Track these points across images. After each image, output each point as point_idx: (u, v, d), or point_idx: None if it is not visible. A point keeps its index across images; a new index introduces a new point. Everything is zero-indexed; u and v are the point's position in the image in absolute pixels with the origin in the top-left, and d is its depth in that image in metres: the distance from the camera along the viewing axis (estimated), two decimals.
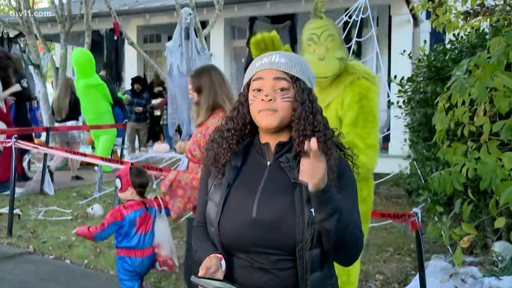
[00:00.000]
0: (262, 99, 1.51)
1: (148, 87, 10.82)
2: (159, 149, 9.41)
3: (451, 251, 4.21)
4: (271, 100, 1.50)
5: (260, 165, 1.58)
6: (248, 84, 1.59)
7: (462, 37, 4.27)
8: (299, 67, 1.56)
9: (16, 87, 7.29)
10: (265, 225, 1.48)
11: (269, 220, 1.48)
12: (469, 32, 3.65)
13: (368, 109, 2.56)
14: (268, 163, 1.58)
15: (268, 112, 1.51)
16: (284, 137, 1.58)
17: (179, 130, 9.31)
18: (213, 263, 1.45)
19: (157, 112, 11.00)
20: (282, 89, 1.52)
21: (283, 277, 1.48)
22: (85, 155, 6.23)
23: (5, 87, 7.18)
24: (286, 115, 1.52)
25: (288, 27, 11.05)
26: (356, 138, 2.50)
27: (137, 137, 10.37)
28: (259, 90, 1.54)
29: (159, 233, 3.12)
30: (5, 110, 7.12)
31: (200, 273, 1.42)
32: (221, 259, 1.48)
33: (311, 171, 1.37)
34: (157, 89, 11.58)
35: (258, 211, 1.49)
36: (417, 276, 3.51)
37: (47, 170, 7.17)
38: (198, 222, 1.69)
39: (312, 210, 1.45)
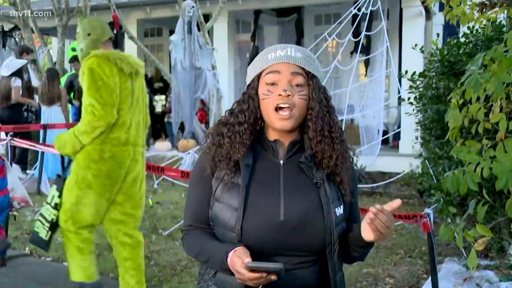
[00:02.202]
0: (280, 94, 1.49)
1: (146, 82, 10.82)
2: (161, 147, 9.42)
3: (465, 254, 4.20)
4: (289, 95, 1.49)
5: (273, 164, 1.56)
6: (259, 77, 1.56)
7: (477, 30, 4.24)
8: (314, 64, 1.56)
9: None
10: (293, 228, 1.47)
11: (297, 222, 1.48)
12: (484, 25, 3.62)
13: (88, 80, 3.22)
14: (281, 162, 1.56)
15: (285, 113, 1.49)
16: (294, 135, 1.57)
17: (182, 128, 9.34)
18: (245, 252, 1.40)
19: (158, 109, 11.03)
20: (297, 85, 1.51)
21: (305, 277, 1.50)
22: None
23: None
24: (301, 114, 1.52)
25: (295, 20, 11.04)
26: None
27: None
28: (273, 84, 1.52)
29: (11, 179, 4.29)
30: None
31: (247, 260, 1.36)
32: (247, 250, 1.44)
33: (386, 232, 1.41)
34: (157, 84, 11.61)
35: (285, 212, 1.48)
36: (429, 280, 3.50)
37: (43, 169, 7.19)
38: (190, 226, 1.61)
39: (336, 210, 1.51)
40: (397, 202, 1.42)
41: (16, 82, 7.82)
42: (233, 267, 1.40)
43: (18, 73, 7.88)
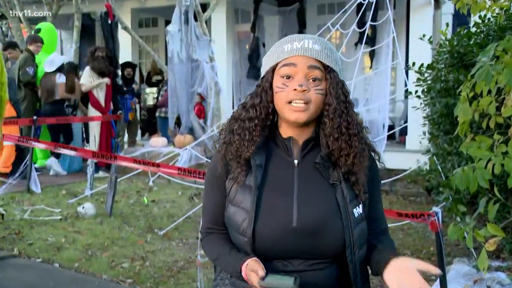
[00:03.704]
0: (295, 89, 1.47)
1: (134, 73, 10.73)
2: (156, 143, 9.41)
3: (475, 255, 4.19)
4: (305, 90, 1.48)
5: (286, 163, 1.56)
6: (273, 69, 1.55)
7: (489, 19, 4.21)
8: (333, 57, 1.54)
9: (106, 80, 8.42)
10: (307, 233, 1.47)
11: (312, 228, 1.47)
12: (497, 14, 3.60)
13: None
14: (296, 161, 1.55)
15: (300, 105, 1.48)
16: (309, 131, 1.56)
17: (178, 123, 9.32)
18: (258, 266, 1.42)
19: (150, 102, 11.01)
20: (314, 80, 1.50)
21: (317, 277, 1.50)
22: (75, 149, 6.24)
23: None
24: (317, 109, 1.51)
25: (296, 10, 11.02)
26: None
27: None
28: (289, 77, 1.50)
29: None
30: (102, 101, 8.39)
31: (261, 273, 1.39)
32: (259, 261, 1.46)
33: None
34: (155, 78, 11.58)
35: (299, 218, 1.48)
36: (438, 282, 3.50)
37: (33, 166, 7.20)
38: (208, 228, 1.65)
39: (354, 210, 1.50)
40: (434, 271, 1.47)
41: (61, 79, 8.28)
42: (249, 282, 1.44)
43: (60, 69, 8.34)
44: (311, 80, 1.50)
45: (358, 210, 1.52)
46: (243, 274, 1.46)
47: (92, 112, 8.54)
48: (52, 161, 8.53)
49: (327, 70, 1.51)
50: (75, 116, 8.62)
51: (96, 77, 8.48)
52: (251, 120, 1.54)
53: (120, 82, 9.17)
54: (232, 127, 1.58)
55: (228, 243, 1.57)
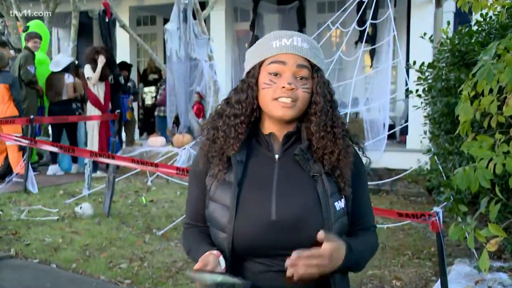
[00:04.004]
0: (283, 87, 1.49)
1: (130, 73, 10.73)
2: (155, 142, 9.41)
3: (476, 255, 4.20)
4: (293, 89, 1.49)
5: (267, 159, 1.56)
6: (260, 65, 1.55)
7: (490, 17, 4.21)
8: (320, 56, 1.57)
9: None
10: (287, 227, 1.47)
11: (291, 220, 1.47)
12: (499, 12, 3.60)
13: None
14: (277, 156, 1.56)
15: (288, 103, 1.49)
16: (291, 127, 1.57)
17: (176, 122, 9.32)
18: (210, 260, 1.43)
19: (148, 101, 11.00)
20: (302, 78, 1.52)
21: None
22: (73, 149, 6.24)
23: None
24: (303, 107, 1.53)
25: (296, 8, 11.02)
26: None
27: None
28: (277, 74, 1.51)
29: None
30: (101, 99, 8.42)
31: (196, 266, 1.41)
32: (218, 256, 1.46)
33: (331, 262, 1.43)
34: (152, 76, 11.56)
35: (277, 212, 1.48)
36: (438, 283, 3.50)
37: (30, 165, 7.19)
38: (187, 223, 1.67)
39: (336, 204, 1.50)
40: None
41: (70, 79, 8.54)
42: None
43: (67, 69, 8.57)
44: (298, 78, 1.51)
45: (339, 204, 1.52)
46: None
47: (91, 110, 8.54)
48: (53, 169, 8.61)
49: (314, 69, 1.54)
50: (73, 116, 8.62)
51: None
52: (236, 116, 1.55)
53: (122, 81, 9.20)
54: (216, 124, 1.58)
55: (203, 237, 1.59)
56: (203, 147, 1.59)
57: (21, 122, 7.37)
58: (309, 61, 1.53)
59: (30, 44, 8.24)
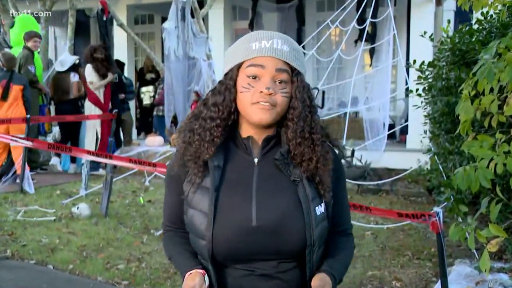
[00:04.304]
0: (261, 91, 1.46)
1: (123, 71, 10.73)
2: (152, 142, 9.40)
3: (477, 256, 4.20)
4: (271, 93, 1.46)
5: (246, 163, 1.54)
6: (239, 67, 1.52)
7: (491, 15, 4.21)
8: (300, 59, 1.54)
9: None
10: (268, 232, 1.46)
11: (273, 226, 1.46)
12: (500, 10, 3.60)
13: None
14: (256, 160, 1.54)
15: (266, 106, 1.46)
16: (270, 131, 1.55)
17: (174, 122, 9.32)
18: (196, 283, 1.42)
19: (146, 101, 10.99)
20: (281, 82, 1.49)
21: (287, 279, 1.49)
22: (70, 149, 6.23)
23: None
24: (282, 112, 1.51)
25: (295, 6, 11.02)
26: None
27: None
28: (255, 77, 1.48)
29: None
30: (102, 99, 8.49)
31: None
32: (203, 275, 1.46)
33: None
34: (149, 75, 11.55)
35: (258, 217, 1.46)
36: (439, 284, 3.51)
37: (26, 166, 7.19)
38: (167, 226, 1.67)
39: (317, 208, 1.49)
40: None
41: (76, 78, 8.69)
42: None
43: (72, 68, 8.73)
44: (277, 82, 1.48)
45: (320, 209, 1.51)
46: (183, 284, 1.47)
47: (91, 109, 8.52)
48: (54, 160, 8.76)
49: (294, 72, 1.51)
50: (70, 115, 8.62)
51: (98, 76, 8.54)
52: (212, 119, 1.52)
53: (124, 80, 9.26)
54: (192, 126, 1.55)
55: (184, 246, 1.58)
56: (179, 150, 1.56)
57: (17, 122, 7.36)
58: (289, 65, 1.50)
59: (30, 44, 8.24)
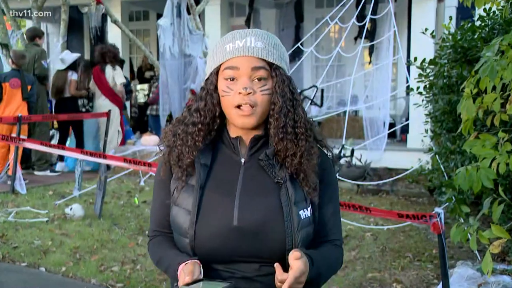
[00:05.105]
0: (240, 92, 1.47)
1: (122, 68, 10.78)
2: (148, 141, 9.40)
3: (479, 258, 4.21)
4: (250, 93, 1.47)
5: (233, 162, 1.56)
6: (217, 71, 1.54)
7: (494, 12, 4.22)
8: (278, 53, 1.54)
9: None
10: (248, 233, 1.47)
11: (254, 227, 1.47)
12: (502, 6, 3.60)
13: None
14: (243, 160, 1.56)
15: (246, 109, 1.48)
16: (258, 131, 1.56)
17: (170, 121, 9.32)
18: (196, 269, 1.43)
19: (141, 99, 11.01)
20: (260, 79, 1.50)
21: (268, 283, 1.49)
22: (63, 148, 6.22)
23: None
24: (265, 110, 1.52)
25: (294, 2, 11.01)
26: None
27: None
28: (233, 79, 1.50)
29: None
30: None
31: (187, 279, 1.39)
32: (199, 265, 1.46)
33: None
34: (148, 73, 11.55)
35: (240, 218, 1.48)
36: (440, 286, 3.51)
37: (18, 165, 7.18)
38: (154, 231, 1.66)
39: (301, 212, 1.48)
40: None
41: (73, 76, 8.67)
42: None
43: (72, 66, 8.71)
44: (256, 80, 1.49)
45: (305, 213, 1.51)
46: (178, 273, 1.45)
47: (103, 107, 8.65)
48: (60, 165, 8.80)
49: (272, 67, 1.51)
50: (63, 114, 8.59)
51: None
52: (194, 125, 1.54)
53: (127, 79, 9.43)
54: (176, 131, 1.58)
55: (172, 244, 1.58)
56: (164, 154, 1.61)
57: (7, 120, 7.35)
58: (266, 61, 1.50)
59: (40, 41, 8.60)
